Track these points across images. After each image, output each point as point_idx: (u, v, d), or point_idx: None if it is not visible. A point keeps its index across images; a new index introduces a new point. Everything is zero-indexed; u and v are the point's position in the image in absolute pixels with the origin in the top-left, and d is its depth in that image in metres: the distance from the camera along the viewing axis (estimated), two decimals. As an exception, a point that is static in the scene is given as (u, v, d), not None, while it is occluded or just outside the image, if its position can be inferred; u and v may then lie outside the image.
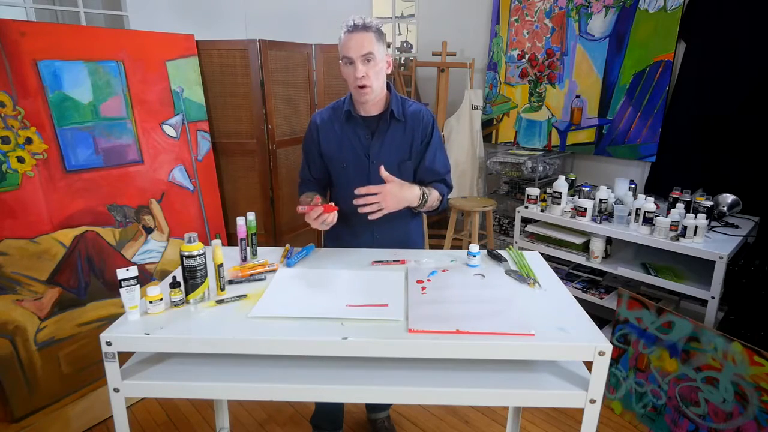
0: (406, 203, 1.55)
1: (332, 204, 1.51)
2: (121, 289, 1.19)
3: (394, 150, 1.62)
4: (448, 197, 1.77)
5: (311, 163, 1.71)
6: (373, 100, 1.56)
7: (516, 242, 2.83)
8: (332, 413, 1.94)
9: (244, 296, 1.32)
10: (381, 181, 1.52)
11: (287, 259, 1.55)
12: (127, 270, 1.20)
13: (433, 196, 1.62)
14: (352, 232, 1.69)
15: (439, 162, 1.67)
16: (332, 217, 1.49)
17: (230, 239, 2.64)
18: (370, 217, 1.49)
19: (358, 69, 1.47)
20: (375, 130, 1.61)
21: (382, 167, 1.50)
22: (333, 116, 1.65)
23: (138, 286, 1.21)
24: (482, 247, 1.74)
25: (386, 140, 1.61)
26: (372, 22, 1.48)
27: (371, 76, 1.49)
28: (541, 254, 1.67)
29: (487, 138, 3.80)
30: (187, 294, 1.27)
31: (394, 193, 1.49)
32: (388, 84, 1.61)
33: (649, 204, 2.27)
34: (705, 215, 2.19)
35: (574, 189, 2.85)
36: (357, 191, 1.46)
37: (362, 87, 1.50)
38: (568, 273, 2.90)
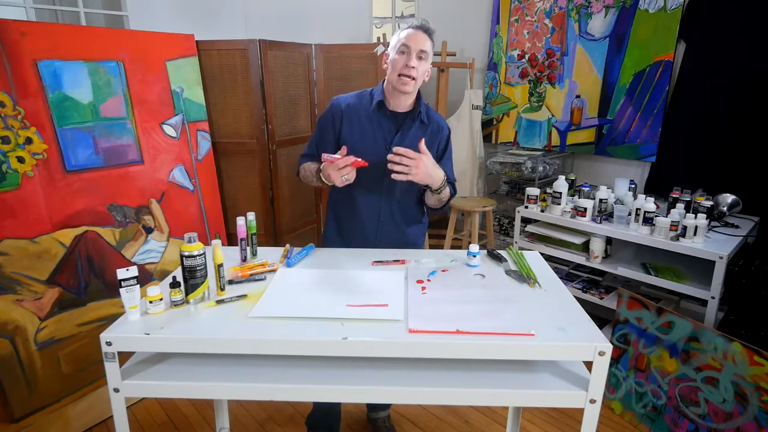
0: (431, 181, 1.56)
1: (361, 160, 1.47)
2: (121, 289, 1.19)
3: (414, 148, 1.62)
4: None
5: (322, 143, 1.69)
6: (409, 93, 1.60)
7: (516, 242, 2.83)
8: (329, 415, 1.94)
9: (244, 296, 1.32)
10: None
11: (287, 259, 1.55)
12: (127, 270, 1.20)
13: (446, 191, 1.69)
14: (359, 223, 1.69)
15: (449, 171, 1.77)
16: (353, 174, 1.49)
17: (230, 239, 2.64)
18: (393, 177, 1.49)
19: (411, 59, 1.53)
20: (401, 126, 1.65)
21: (423, 140, 1.53)
22: (358, 104, 1.66)
23: (138, 286, 1.21)
24: (482, 247, 1.74)
25: (409, 137, 1.64)
26: (434, 30, 1.58)
27: (419, 72, 1.55)
28: (541, 254, 1.67)
29: (487, 138, 3.80)
30: (187, 294, 1.27)
31: (426, 165, 1.50)
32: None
33: (649, 204, 2.27)
34: (705, 215, 2.19)
35: (574, 189, 2.85)
36: (395, 150, 1.46)
37: (406, 76, 1.54)
38: (568, 273, 2.90)
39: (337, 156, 1.46)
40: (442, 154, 1.74)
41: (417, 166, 1.47)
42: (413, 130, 1.66)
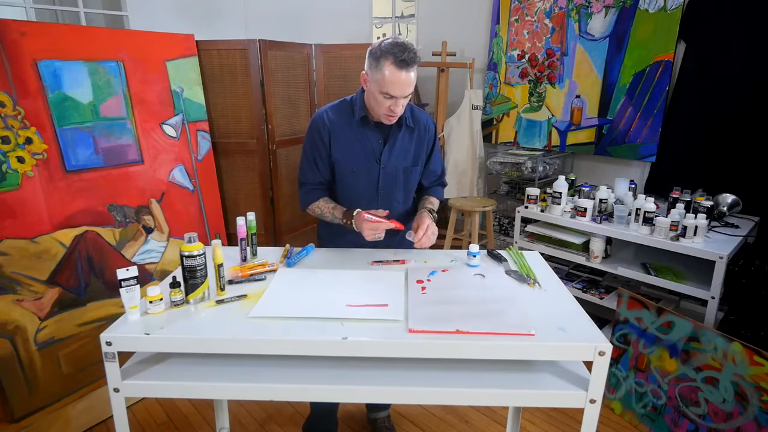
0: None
1: (398, 222, 1.54)
2: (121, 289, 1.19)
3: (402, 156, 1.65)
4: (444, 195, 1.89)
5: (320, 165, 1.64)
6: None
7: (516, 242, 2.83)
8: (327, 420, 1.93)
9: (244, 296, 1.32)
10: (388, 184, 1.63)
11: (287, 259, 1.55)
12: (127, 270, 1.20)
13: (435, 206, 1.74)
14: (357, 234, 1.67)
15: (438, 164, 1.78)
16: (383, 234, 1.54)
17: (230, 239, 2.64)
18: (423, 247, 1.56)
19: (398, 105, 1.47)
20: (387, 136, 1.61)
21: (410, 232, 1.56)
22: (340, 118, 1.60)
23: (138, 286, 1.21)
24: (482, 247, 1.74)
25: (396, 146, 1.63)
26: (418, 54, 1.43)
27: (403, 107, 1.52)
28: (541, 254, 1.67)
29: (487, 138, 3.80)
30: (187, 294, 1.27)
31: (431, 226, 1.57)
32: None
33: (649, 204, 2.27)
34: (705, 215, 2.19)
35: (574, 189, 2.85)
36: (414, 235, 1.54)
37: (392, 116, 1.51)
38: (568, 273, 2.90)
39: (378, 218, 1.50)
40: (430, 151, 1.73)
41: (433, 231, 1.56)
42: (400, 138, 1.62)
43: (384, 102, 1.46)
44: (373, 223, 1.49)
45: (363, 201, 1.63)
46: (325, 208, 1.64)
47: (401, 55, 1.39)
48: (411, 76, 1.43)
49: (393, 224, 1.52)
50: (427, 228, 1.54)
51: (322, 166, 1.64)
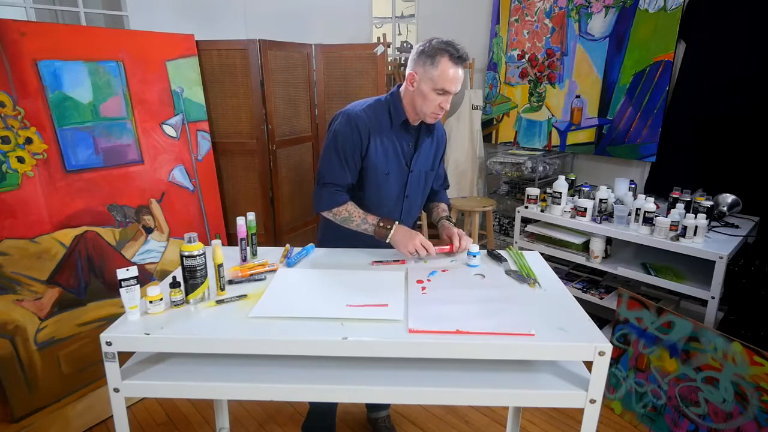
0: None
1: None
2: (121, 289, 1.19)
3: (425, 159, 1.67)
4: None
5: (351, 165, 1.57)
6: None
7: (516, 242, 2.83)
8: (326, 419, 1.93)
9: (244, 296, 1.32)
10: (413, 188, 1.67)
11: (287, 259, 1.55)
12: (127, 270, 1.20)
13: (449, 213, 1.80)
14: (369, 242, 1.66)
15: (442, 167, 1.84)
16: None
17: (230, 239, 2.64)
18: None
19: (448, 102, 1.50)
20: (417, 140, 1.63)
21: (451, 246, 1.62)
22: (379, 120, 1.57)
23: (138, 286, 1.21)
24: (482, 247, 1.74)
25: (422, 150, 1.65)
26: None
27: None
28: (541, 254, 1.67)
29: (487, 138, 3.80)
30: (187, 294, 1.27)
31: (463, 234, 1.63)
32: None
33: (649, 204, 2.27)
34: (705, 215, 2.19)
35: (574, 189, 2.85)
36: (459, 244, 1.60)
37: (439, 114, 1.54)
38: (568, 273, 2.90)
39: (441, 248, 1.60)
40: (442, 155, 1.77)
41: (467, 241, 1.62)
42: (425, 143, 1.65)
43: (436, 99, 1.48)
44: (436, 252, 1.57)
45: (389, 204, 1.65)
46: (354, 213, 1.58)
47: (456, 52, 1.44)
48: (462, 71, 1.48)
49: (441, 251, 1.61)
50: (461, 237, 1.61)
51: (353, 167, 1.58)
